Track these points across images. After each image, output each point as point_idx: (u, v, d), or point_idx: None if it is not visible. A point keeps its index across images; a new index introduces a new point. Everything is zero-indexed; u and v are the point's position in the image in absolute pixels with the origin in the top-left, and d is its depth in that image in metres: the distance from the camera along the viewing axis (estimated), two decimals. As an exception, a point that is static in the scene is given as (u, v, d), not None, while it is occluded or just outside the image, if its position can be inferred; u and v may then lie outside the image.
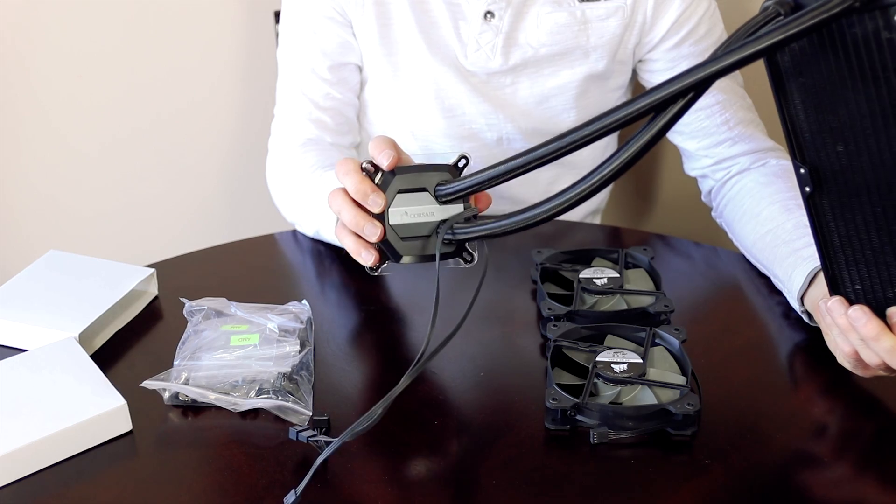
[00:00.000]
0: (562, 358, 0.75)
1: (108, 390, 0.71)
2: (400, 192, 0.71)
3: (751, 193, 0.95)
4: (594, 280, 0.83)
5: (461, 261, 0.74)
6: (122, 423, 0.70)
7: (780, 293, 0.87)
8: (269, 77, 1.19)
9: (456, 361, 0.79)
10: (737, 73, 1.02)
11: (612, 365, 0.72)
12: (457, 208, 0.72)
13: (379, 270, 0.74)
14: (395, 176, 0.71)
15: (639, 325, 0.77)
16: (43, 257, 0.89)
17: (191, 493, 0.65)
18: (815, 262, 0.77)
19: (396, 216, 0.71)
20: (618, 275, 0.84)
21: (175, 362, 0.74)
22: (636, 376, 0.71)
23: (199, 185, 1.51)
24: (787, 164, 0.95)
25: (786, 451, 0.68)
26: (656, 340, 0.76)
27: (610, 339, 0.77)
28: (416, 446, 0.69)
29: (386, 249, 0.72)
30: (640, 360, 0.73)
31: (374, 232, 0.71)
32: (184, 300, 0.81)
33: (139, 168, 1.47)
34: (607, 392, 0.71)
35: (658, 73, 1.04)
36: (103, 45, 1.37)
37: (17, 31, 1.33)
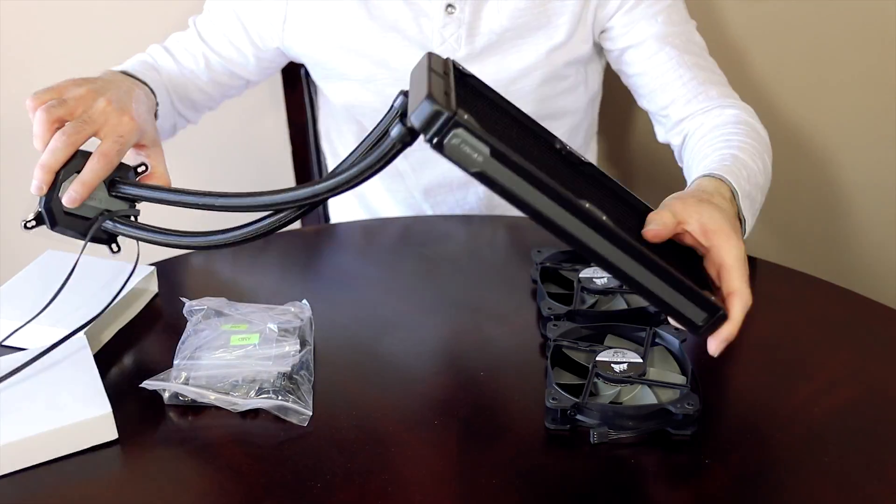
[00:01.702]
0: (562, 358, 0.75)
1: (98, 396, 0.70)
2: (77, 171, 0.76)
3: (695, 146, 0.97)
4: (594, 279, 0.83)
5: (110, 249, 0.81)
6: (107, 432, 0.69)
7: (781, 293, 0.87)
8: (272, 78, 1.19)
9: (456, 361, 0.79)
10: (693, 35, 1.05)
11: (612, 364, 0.72)
12: (122, 204, 0.80)
13: (31, 227, 0.78)
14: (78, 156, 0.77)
15: (639, 324, 0.77)
16: (40, 257, 0.89)
17: (191, 493, 0.65)
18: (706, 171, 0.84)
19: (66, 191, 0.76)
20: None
21: (175, 362, 0.74)
22: (636, 376, 0.71)
23: (199, 185, 1.51)
24: (734, 112, 0.98)
25: (786, 451, 0.68)
26: (656, 340, 0.76)
27: (610, 339, 0.77)
28: (416, 446, 0.69)
29: (45, 213, 0.77)
30: (640, 360, 0.73)
31: (37, 186, 0.76)
32: (184, 300, 0.81)
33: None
34: (607, 392, 0.71)
35: (616, 39, 1.05)
36: (103, 44, 1.37)
37: (16, 34, 1.33)
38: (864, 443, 0.68)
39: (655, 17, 1.02)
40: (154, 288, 0.89)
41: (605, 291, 0.82)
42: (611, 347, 0.74)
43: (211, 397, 0.71)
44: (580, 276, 0.84)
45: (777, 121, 1.37)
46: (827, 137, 1.37)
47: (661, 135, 1.06)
